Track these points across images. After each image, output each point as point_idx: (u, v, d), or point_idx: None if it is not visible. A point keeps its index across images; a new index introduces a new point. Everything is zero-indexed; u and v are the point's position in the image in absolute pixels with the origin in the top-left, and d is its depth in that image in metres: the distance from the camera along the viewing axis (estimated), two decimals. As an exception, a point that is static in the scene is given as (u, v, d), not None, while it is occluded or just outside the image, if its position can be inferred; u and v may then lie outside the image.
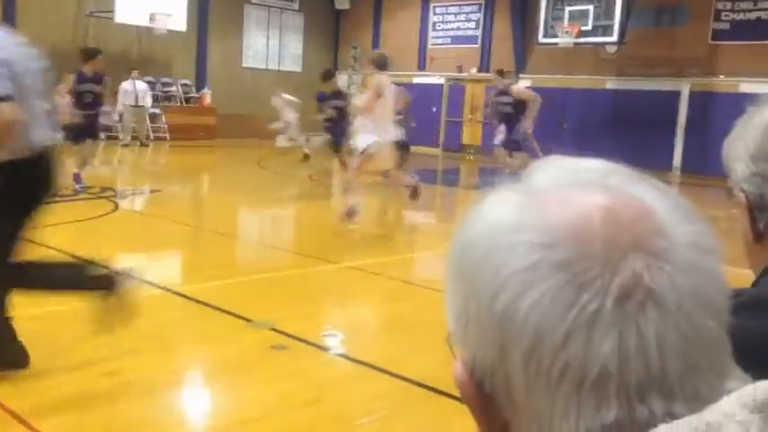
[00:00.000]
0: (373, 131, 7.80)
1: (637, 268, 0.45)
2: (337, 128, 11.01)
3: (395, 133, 8.29)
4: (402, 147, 9.95)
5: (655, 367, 0.44)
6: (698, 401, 0.45)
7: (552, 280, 0.45)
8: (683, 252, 0.47)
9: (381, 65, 7.99)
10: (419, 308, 5.14)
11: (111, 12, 16.90)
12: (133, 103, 16.93)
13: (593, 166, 0.52)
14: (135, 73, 16.99)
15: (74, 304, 4.80)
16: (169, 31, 17.83)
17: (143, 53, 18.97)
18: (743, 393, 0.45)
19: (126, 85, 16.87)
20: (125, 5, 16.88)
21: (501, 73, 12.08)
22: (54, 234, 6.81)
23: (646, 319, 0.44)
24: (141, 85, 17.21)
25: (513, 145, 11.11)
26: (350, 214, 7.77)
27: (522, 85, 12.08)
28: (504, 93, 11.20)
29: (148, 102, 17.47)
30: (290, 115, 14.98)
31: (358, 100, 8.53)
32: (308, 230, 8.57)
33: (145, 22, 17.49)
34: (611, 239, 0.46)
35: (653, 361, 0.44)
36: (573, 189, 0.49)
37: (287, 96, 15.30)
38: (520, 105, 10.98)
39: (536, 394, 0.46)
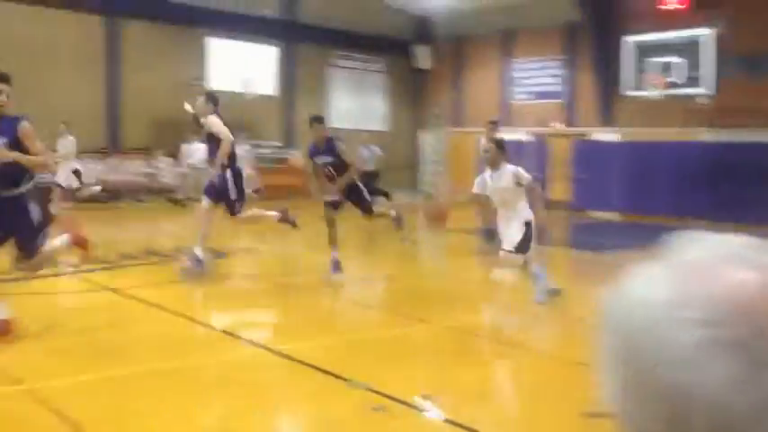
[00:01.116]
0: None
1: None
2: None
3: None
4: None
5: None
6: None
7: (727, 358, 0.45)
8: None
9: None
10: (517, 370, 5.02)
11: (204, 80, 17.81)
12: (193, 162, 16.50)
13: (736, 241, 0.52)
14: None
15: (168, 363, 4.95)
16: (259, 95, 18.55)
17: (235, 117, 19.76)
18: None
19: (186, 146, 16.85)
20: (219, 73, 17.74)
21: (210, 97, 8.59)
22: (145, 290, 7.07)
23: None
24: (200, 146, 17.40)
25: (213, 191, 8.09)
26: None
27: (216, 120, 8.30)
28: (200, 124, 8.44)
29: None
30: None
31: None
32: (400, 289, 8.56)
33: (238, 88, 18.29)
34: None
35: None
36: (724, 264, 0.49)
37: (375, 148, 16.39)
38: (212, 139, 8.21)
39: None
